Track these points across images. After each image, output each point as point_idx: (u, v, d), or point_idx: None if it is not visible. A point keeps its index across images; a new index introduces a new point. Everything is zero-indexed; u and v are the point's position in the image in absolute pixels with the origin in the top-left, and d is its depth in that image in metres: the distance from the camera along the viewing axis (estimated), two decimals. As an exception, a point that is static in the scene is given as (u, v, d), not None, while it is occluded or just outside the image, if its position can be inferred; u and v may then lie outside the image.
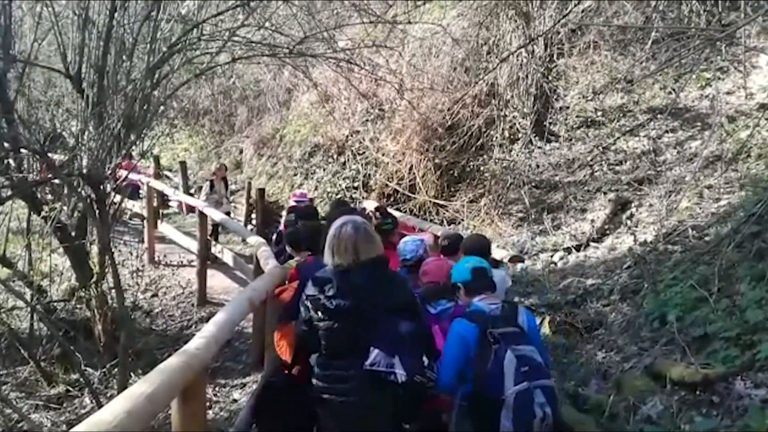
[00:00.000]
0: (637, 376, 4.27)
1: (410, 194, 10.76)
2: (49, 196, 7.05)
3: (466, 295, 3.23)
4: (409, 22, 8.54)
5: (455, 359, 2.98)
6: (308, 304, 2.90)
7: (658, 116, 9.09)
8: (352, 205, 7.89)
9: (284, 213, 8.55)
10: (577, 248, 7.90)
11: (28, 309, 6.50)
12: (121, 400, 1.81)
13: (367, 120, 12.45)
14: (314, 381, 2.94)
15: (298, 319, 3.05)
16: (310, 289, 2.91)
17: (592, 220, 8.28)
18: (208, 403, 5.55)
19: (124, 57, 6.28)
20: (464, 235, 5.26)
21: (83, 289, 6.60)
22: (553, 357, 5.17)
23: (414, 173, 10.79)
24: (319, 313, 2.84)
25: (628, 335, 5.06)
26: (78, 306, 7.04)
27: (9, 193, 6.19)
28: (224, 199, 11.36)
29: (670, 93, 9.35)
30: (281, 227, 6.98)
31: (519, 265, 7.46)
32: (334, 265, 2.91)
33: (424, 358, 2.83)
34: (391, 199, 11.08)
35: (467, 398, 2.98)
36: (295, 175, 13.53)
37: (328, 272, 2.92)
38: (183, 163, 15.12)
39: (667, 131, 9.22)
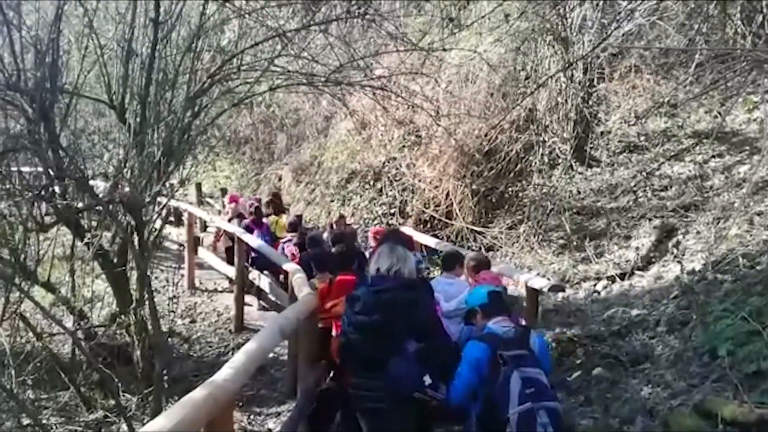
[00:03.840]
0: (686, 415, 4.06)
1: (447, 221, 10.66)
2: (93, 223, 7.21)
3: (483, 318, 3.39)
4: (445, 49, 8.54)
5: (468, 381, 3.14)
6: (345, 318, 3.35)
7: (704, 140, 8.84)
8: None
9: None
10: (621, 277, 7.65)
11: (69, 334, 6.60)
12: (145, 434, 1.79)
13: (403, 146, 12.46)
14: (350, 389, 3.35)
15: None
16: (346, 305, 3.39)
17: (637, 248, 8.03)
18: (241, 432, 5.52)
19: (166, 87, 6.43)
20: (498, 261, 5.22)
21: (123, 315, 6.69)
22: (595, 392, 4.98)
23: (451, 199, 10.70)
24: (351, 327, 3.28)
25: (676, 370, 4.82)
26: (118, 332, 7.13)
27: (53, 219, 6.36)
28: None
29: (715, 117, 9.10)
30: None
31: (560, 294, 7.26)
32: (369, 284, 3.31)
33: (426, 378, 3.09)
34: (428, 226, 11.01)
35: (479, 416, 3.13)
36: (332, 201, 13.60)
37: (360, 291, 3.33)
38: (224, 190, 15.40)
39: (713, 156, 8.95)
